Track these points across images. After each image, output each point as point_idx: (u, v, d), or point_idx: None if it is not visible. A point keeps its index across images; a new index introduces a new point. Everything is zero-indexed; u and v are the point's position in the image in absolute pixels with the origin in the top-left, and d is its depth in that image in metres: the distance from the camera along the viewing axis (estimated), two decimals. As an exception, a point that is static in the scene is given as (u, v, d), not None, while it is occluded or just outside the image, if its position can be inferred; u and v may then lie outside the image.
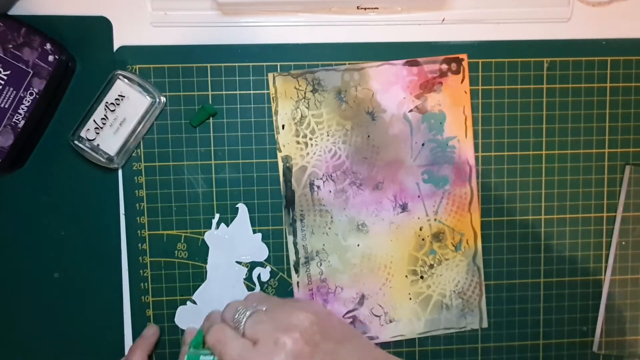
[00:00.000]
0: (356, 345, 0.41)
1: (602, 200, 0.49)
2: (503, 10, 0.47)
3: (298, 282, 0.48)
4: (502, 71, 0.47)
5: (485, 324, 0.49)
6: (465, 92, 0.47)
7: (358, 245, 0.48)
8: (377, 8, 0.46)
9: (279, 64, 0.46)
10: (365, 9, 0.46)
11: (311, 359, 0.37)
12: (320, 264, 0.48)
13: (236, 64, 0.46)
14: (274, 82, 0.46)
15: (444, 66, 0.47)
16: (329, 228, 0.47)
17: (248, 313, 0.40)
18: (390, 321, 0.48)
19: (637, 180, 0.49)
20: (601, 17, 0.48)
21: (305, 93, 0.46)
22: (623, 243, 0.49)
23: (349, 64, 0.46)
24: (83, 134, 0.43)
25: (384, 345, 0.48)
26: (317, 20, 0.46)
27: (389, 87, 0.47)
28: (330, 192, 0.47)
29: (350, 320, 0.48)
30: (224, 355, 0.38)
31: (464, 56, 0.47)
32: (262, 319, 0.39)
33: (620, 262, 0.49)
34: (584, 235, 0.49)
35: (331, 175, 0.47)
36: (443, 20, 0.47)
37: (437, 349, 0.49)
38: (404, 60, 0.47)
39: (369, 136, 0.47)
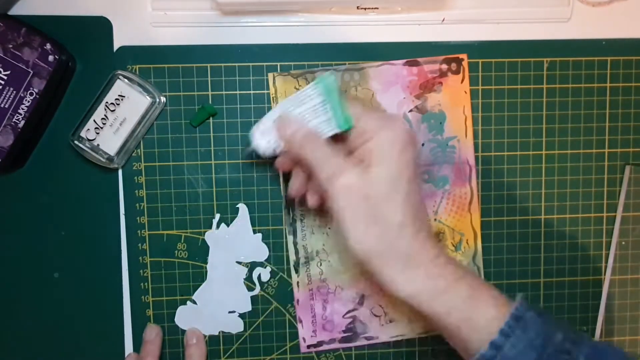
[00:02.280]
0: None
1: (602, 200, 0.49)
2: (503, 10, 0.47)
3: (298, 282, 0.48)
4: (502, 71, 0.47)
5: (485, 324, 0.49)
6: (465, 92, 0.47)
7: (358, 245, 0.48)
8: (377, 8, 0.46)
9: (279, 64, 0.46)
10: (365, 9, 0.46)
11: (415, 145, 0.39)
12: (321, 264, 0.48)
13: (236, 64, 0.46)
14: (274, 82, 0.46)
15: (444, 66, 0.47)
16: (329, 228, 0.47)
17: None
18: (390, 321, 0.48)
19: (637, 180, 0.49)
20: (601, 17, 0.48)
21: (305, 93, 0.46)
22: (623, 243, 0.49)
23: (349, 64, 0.46)
24: (83, 134, 0.43)
25: (384, 345, 0.48)
26: (317, 20, 0.46)
27: (389, 87, 0.47)
28: (330, 192, 0.47)
29: (350, 320, 0.48)
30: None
31: (463, 56, 0.47)
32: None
33: (620, 262, 0.49)
34: (584, 235, 0.49)
35: (331, 175, 0.47)
36: (443, 20, 0.47)
37: (438, 348, 0.49)
38: (404, 60, 0.47)
39: (369, 136, 0.47)
